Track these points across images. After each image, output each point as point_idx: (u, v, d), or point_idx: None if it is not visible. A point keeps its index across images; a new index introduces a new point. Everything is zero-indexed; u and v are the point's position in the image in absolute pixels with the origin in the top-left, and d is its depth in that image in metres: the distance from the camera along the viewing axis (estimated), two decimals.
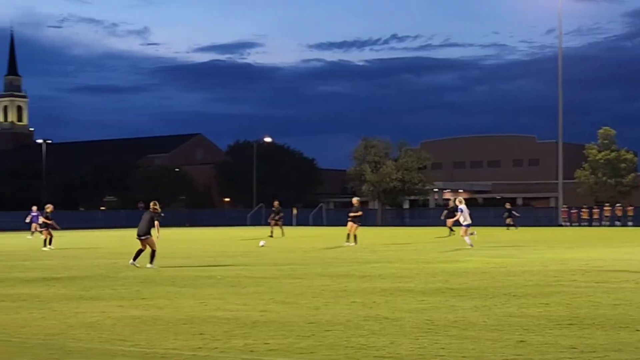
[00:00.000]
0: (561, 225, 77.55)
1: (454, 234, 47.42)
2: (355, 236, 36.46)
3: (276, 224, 48.49)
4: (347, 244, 36.23)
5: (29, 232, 55.52)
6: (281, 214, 49.90)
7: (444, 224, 51.02)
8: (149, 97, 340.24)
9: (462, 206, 34.31)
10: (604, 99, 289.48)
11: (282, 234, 48.37)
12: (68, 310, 14.53)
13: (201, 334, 11.72)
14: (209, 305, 14.95)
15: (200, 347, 10.62)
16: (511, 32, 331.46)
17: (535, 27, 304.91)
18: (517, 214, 65.39)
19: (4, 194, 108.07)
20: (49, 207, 39.10)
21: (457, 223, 34.87)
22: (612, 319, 12.80)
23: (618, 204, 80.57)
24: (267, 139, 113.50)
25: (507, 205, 66.31)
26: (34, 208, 55.15)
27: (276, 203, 50.68)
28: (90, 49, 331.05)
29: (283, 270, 23.21)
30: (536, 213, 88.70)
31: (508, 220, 62.60)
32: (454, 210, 49.54)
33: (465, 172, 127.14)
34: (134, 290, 17.80)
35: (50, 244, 37.56)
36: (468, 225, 33.94)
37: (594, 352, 10.03)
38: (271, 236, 46.53)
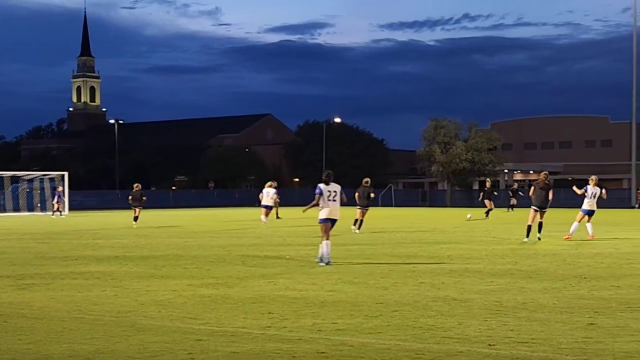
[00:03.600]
0: (634, 207, 76.47)
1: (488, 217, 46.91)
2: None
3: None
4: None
5: (52, 212, 57.61)
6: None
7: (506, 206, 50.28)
8: (220, 78, 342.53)
9: (271, 189, 39.62)
10: None
11: (277, 216, 46.32)
12: (140, 288, 14.75)
13: (270, 313, 11.81)
14: (278, 285, 15.06)
15: (269, 326, 10.71)
16: (586, 11, 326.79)
17: (611, 5, 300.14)
18: (495, 194, 56.66)
19: (77, 174, 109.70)
20: (137, 187, 41.07)
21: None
22: None
23: None
24: (337, 120, 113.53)
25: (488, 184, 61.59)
26: (60, 188, 57.87)
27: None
28: (162, 30, 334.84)
29: (352, 250, 23.26)
30: (608, 195, 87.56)
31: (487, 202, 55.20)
32: (490, 193, 49.14)
33: (536, 153, 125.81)
34: (204, 269, 17.99)
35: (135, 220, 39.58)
36: (266, 206, 38.92)
37: None
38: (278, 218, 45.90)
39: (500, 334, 10.02)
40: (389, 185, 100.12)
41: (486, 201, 48.59)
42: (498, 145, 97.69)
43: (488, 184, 51.37)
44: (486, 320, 10.98)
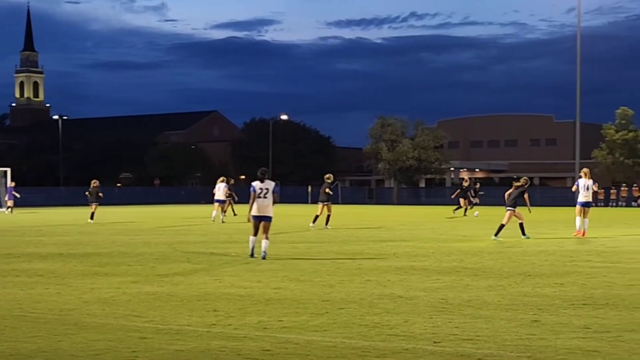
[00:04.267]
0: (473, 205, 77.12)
1: (467, 214, 47.29)
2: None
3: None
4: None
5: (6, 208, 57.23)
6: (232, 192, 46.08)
7: (456, 203, 50.44)
8: (166, 74, 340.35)
9: (222, 184, 40.68)
10: (624, 79, 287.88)
11: (233, 213, 46.05)
12: (83, 286, 14.60)
13: (215, 310, 11.75)
14: (223, 283, 14.99)
15: (214, 324, 10.65)
16: (531, 11, 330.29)
17: (556, 5, 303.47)
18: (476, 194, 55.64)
19: (20, 170, 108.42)
20: (95, 183, 40.99)
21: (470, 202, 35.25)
22: (626, 299, 12.79)
23: (635, 185, 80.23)
24: (284, 117, 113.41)
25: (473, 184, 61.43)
26: (13, 184, 57.96)
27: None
28: (108, 25, 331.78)
29: (298, 248, 23.24)
30: (553, 193, 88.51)
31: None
32: (467, 190, 49.27)
33: (482, 151, 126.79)
34: (149, 267, 17.86)
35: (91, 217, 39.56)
36: (218, 201, 39.99)
37: (607, 332, 10.02)
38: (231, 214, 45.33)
39: (446, 331, 10.05)
40: (336, 183, 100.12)
41: (461, 199, 48.60)
42: (444, 143, 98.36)
43: (465, 183, 51.17)
44: (431, 318, 11.01)
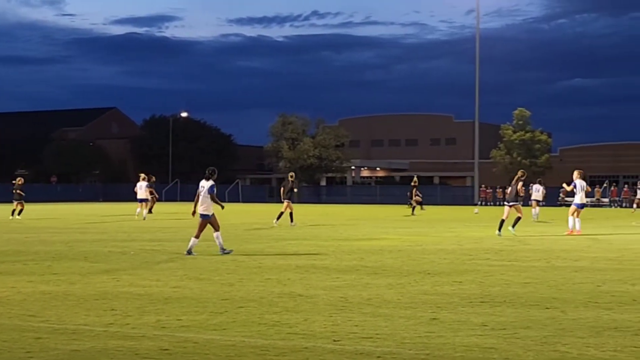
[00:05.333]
0: (477, 204, 78.44)
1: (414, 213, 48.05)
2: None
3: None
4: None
5: None
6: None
7: (359, 202, 50.94)
8: (64, 69, 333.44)
9: (143, 182, 40.70)
10: (522, 81, 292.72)
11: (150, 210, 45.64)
12: None
13: (113, 309, 11.57)
14: (121, 281, 14.78)
15: (111, 323, 10.48)
16: (432, 12, 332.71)
17: (456, 7, 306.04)
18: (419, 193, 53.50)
19: None
20: (20, 180, 42.01)
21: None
22: (522, 297, 12.98)
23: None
24: (184, 114, 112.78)
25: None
26: None
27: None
28: (3, 19, 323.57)
29: (198, 246, 23.03)
30: (453, 192, 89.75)
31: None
32: (415, 187, 50.11)
33: (383, 150, 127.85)
34: (45, 265, 17.53)
35: (19, 214, 40.28)
36: (141, 200, 40.06)
37: (504, 329, 10.15)
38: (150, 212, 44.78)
39: (345, 330, 10.06)
40: (236, 181, 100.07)
41: (415, 197, 50.08)
42: (345, 142, 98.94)
43: (414, 183, 51.47)
44: (331, 316, 11.02)
